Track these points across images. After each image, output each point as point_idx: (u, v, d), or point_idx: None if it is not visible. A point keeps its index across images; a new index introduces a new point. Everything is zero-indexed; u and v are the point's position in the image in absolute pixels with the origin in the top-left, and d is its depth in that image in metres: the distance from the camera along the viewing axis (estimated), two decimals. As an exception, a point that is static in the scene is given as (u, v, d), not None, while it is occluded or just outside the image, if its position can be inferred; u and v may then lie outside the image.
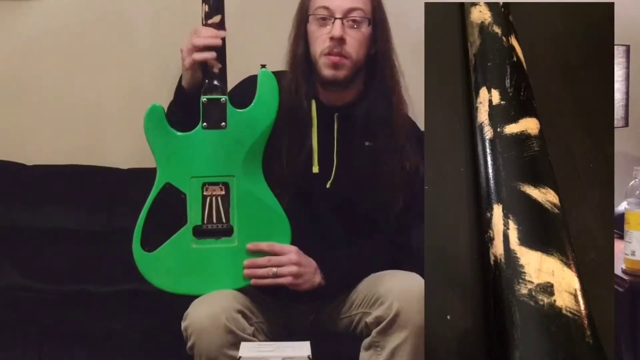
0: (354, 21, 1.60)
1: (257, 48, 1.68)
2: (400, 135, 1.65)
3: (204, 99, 1.54)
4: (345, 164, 1.65)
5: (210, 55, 1.53)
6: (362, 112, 1.65)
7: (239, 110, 1.57)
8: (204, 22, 1.55)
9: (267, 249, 1.56)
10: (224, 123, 1.56)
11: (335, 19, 1.59)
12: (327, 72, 1.60)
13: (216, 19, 1.55)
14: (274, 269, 1.55)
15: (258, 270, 1.55)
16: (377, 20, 1.64)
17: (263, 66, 1.59)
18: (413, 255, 1.68)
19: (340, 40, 1.58)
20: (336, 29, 1.58)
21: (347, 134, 1.66)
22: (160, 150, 1.56)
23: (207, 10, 1.56)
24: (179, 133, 1.56)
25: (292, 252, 1.56)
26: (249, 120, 1.57)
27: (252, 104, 1.58)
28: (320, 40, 1.60)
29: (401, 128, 1.65)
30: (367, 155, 1.65)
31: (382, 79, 1.65)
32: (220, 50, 1.54)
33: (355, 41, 1.60)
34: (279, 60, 1.67)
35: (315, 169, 1.65)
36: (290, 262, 1.55)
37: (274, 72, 1.60)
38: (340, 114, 1.66)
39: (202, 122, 1.55)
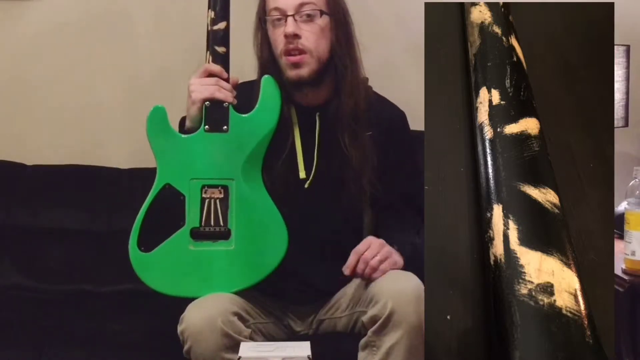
0: (308, 15, 1.58)
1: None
2: (361, 129, 1.63)
3: (206, 102, 1.55)
4: (326, 162, 1.64)
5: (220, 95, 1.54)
6: (339, 107, 1.63)
7: (241, 114, 1.57)
8: (209, 28, 1.56)
9: (354, 259, 1.54)
10: (225, 127, 1.56)
11: (287, 17, 1.57)
12: (290, 73, 1.59)
13: (222, 25, 1.56)
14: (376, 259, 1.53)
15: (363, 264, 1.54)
16: (333, 11, 1.61)
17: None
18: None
19: (294, 37, 1.57)
20: (288, 26, 1.57)
21: (328, 132, 1.65)
22: (161, 151, 1.56)
23: (212, 16, 1.56)
24: (180, 135, 1.57)
25: (367, 242, 1.55)
26: (251, 125, 1.57)
27: (255, 109, 1.58)
28: (278, 41, 1.59)
29: (362, 120, 1.63)
30: (342, 150, 1.63)
31: (341, 73, 1.62)
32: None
33: (311, 34, 1.58)
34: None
35: (302, 174, 1.64)
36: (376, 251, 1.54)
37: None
38: (321, 113, 1.65)
39: (204, 125, 1.55)
